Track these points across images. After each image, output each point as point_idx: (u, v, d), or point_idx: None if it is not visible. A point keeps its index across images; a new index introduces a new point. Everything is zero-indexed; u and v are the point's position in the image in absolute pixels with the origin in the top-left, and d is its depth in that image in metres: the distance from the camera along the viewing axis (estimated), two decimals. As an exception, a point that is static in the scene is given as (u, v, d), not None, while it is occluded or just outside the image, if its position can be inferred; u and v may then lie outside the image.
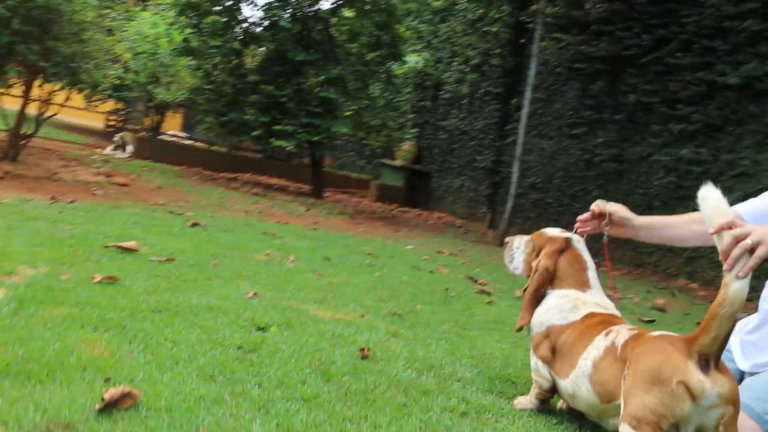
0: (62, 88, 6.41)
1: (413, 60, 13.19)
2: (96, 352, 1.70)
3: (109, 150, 10.87)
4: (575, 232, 2.09)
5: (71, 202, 4.46)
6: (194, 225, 4.47)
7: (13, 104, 6.05)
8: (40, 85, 6.18)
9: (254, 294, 2.73)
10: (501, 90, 11.70)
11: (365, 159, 15.50)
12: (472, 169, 12.19)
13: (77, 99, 15.07)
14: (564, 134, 10.15)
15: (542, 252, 2.07)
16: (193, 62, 9.76)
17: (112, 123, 15.28)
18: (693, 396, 1.42)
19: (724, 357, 2.08)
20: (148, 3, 12.41)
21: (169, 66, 10.99)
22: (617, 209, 2.05)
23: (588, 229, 2.09)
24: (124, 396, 1.42)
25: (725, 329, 1.41)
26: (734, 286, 1.39)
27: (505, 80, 11.66)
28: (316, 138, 8.94)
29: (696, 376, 1.43)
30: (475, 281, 4.56)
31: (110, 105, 15.28)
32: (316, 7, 9.69)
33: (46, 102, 6.24)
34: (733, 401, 1.44)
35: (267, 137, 9.02)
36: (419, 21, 14.16)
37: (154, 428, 1.35)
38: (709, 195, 1.51)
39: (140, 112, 12.59)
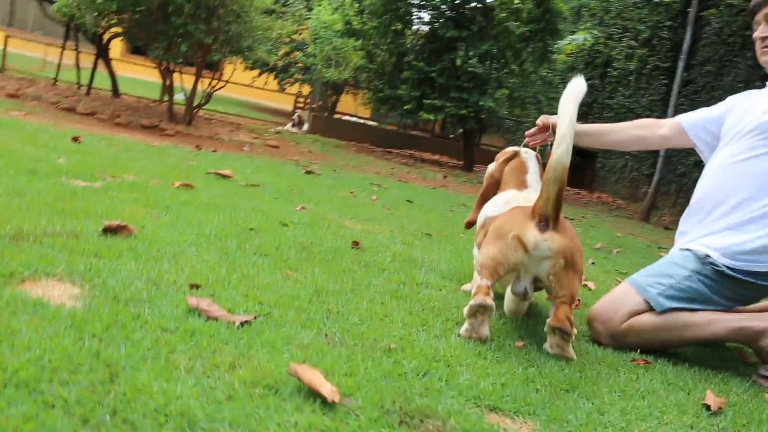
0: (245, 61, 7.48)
1: (581, 37, 12.98)
2: (133, 214, 2.36)
3: (287, 126, 12.17)
4: (525, 146, 2.37)
5: (213, 151, 5.37)
6: (308, 173, 5.16)
7: (188, 81, 7.25)
8: (209, 64, 7.31)
9: (302, 207, 3.30)
10: (669, 64, 11.14)
11: (535, 140, 15.51)
12: (636, 147, 11.77)
13: (272, 83, 16.96)
14: (732, 108, 9.49)
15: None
16: (357, 43, 10.61)
17: (300, 105, 16.81)
18: (525, 247, 1.71)
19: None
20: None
21: (340, 49, 12.00)
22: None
23: (537, 141, 2.36)
24: (122, 227, 2.04)
25: (553, 192, 1.69)
26: (554, 154, 1.67)
27: (674, 54, 11.08)
28: (463, 111, 9.34)
29: (530, 232, 1.72)
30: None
31: (297, 88, 16.89)
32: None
33: (216, 78, 7.37)
34: (563, 254, 1.70)
35: (417, 111, 9.60)
36: (592, -3, 13.85)
37: (132, 246, 1.94)
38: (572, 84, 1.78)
39: (317, 92, 13.79)
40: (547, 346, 1.75)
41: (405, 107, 9.66)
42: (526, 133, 2.38)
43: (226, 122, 9.39)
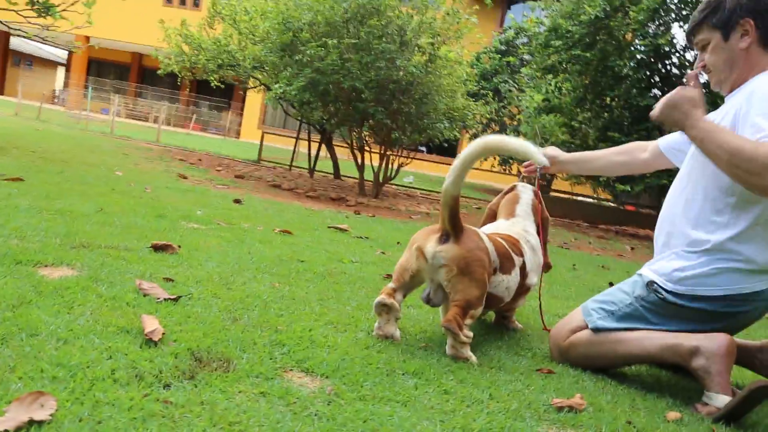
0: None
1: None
2: (202, 243, 2.95)
3: (497, 203, 12.52)
4: (522, 176, 2.55)
5: (371, 216, 5.96)
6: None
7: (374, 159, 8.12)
8: (392, 145, 8.11)
9: (381, 252, 3.65)
10: None
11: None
12: None
13: (495, 164, 17.53)
14: None
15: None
16: (559, 119, 10.75)
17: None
18: (425, 257, 1.92)
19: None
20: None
21: (545, 126, 12.21)
22: (547, 150, 2.45)
23: (531, 170, 2.50)
24: (168, 246, 2.63)
25: (445, 214, 1.91)
26: (444, 185, 1.88)
27: None
28: (665, 181, 8.88)
29: (429, 244, 1.93)
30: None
31: (517, 168, 17.20)
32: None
33: (401, 155, 8.13)
34: (456, 263, 1.88)
35: (614, 183, 9.36)
36: None
37: (162, 258, 2.50)
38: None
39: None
40: (446, 347, 1.90)
41: (600, 179, 9.49)
42: (522, 165, 2.54)
43: (427, 199, 10.08)
